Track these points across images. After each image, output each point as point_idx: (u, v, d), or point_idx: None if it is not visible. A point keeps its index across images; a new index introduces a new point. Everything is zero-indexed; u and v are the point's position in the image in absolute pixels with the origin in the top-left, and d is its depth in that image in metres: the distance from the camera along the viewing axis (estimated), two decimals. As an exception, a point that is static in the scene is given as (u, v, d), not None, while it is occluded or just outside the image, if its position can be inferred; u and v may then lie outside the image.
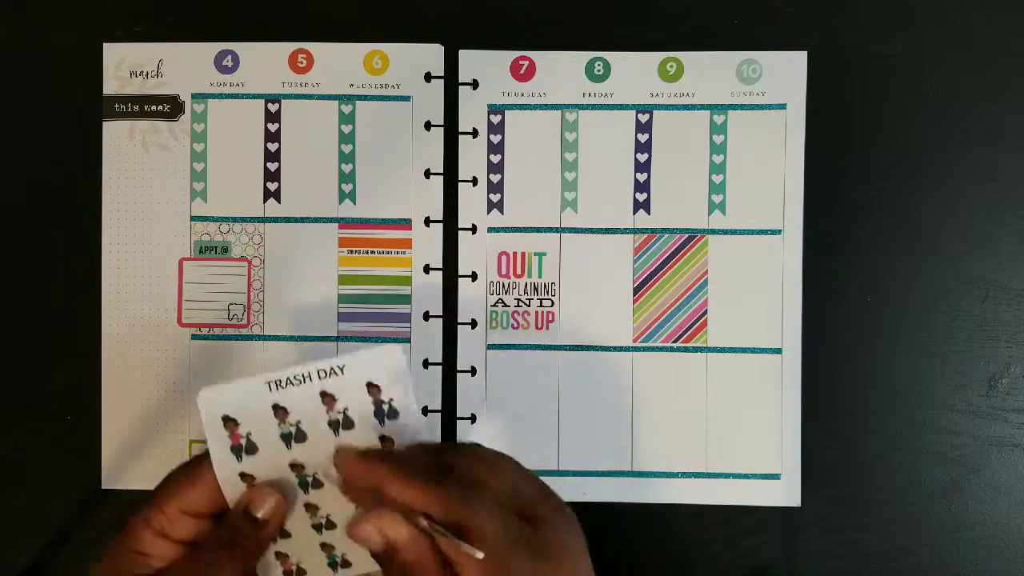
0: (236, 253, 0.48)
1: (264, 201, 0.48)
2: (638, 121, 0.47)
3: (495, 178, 0.48)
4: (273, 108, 0.48)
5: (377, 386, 0.34)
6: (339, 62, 0.47)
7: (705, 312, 0.47)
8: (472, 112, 0.48)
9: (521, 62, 0.47)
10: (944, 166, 0.47)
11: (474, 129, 0.48)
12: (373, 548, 0.31)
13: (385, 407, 0.34)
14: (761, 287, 0.47)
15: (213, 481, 0.33)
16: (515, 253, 0.48)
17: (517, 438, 0.47)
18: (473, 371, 0.47)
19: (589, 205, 0.48)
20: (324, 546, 0.35)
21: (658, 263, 0.47)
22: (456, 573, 0.30)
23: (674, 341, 0.47)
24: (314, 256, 0.47)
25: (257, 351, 0.47)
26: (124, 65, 0.47)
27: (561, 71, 0.47)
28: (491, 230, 0.48)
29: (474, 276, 0.48)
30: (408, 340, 0.47)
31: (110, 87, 0.47)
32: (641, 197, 0.48)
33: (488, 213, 0.48)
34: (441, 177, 0.48)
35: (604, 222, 0.48)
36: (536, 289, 0.48)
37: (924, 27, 0.47)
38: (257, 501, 0.32)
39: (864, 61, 0.47)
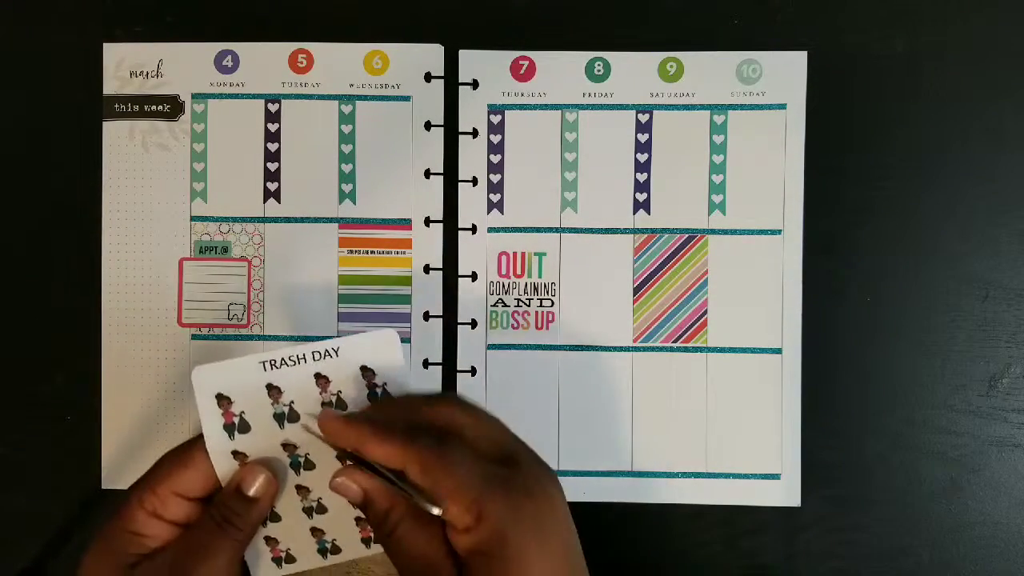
0: (236, 253, 0.48)
1: (264, 201, 0.48)
2: (638, 121, 0.47)
3: (495, 178, 0.48)
4: (273, 108, 0.48)
5: (371, 370, 0.34)
6: (339, 62, 0.47)
7: (705, 312, 0.47)
8: (472, 112, 0.48)
9: (521, 62, 0.47)
10: (944, 166, 0.47)
11: (474, 129, 0.48)
12: (351, 498, 0.33)
13: (379, 390, 0.34)
14: (761, 287, 0.47)
15: (205, 463, 0.33)
16: (515, 253, 0.48)
17: (517, 438, 0.47)
18: (473, 371, 0.47)
19: (589, 205, 0.48)
20: (315, 531, 0.35)
21: (658, 263, 0.47)
22: (421, 519, 0.32)
23: (674, 341, 0.47)
24: (314, 256, 0.47)
25: (257, 351, 0.47)
26: (124, 65, 0.47)
27: (561, 71, 0.47)
28: (491, 230, 0.48)
29: (474, 276, 0.48)
30: (408, 340, 0.47)
31: (110, 87, 0.47)
32: (641, 197, 0.48)
33: (488, 213, 0.48)
34: (441, 177, 0.48)
35: (604, 222, 0.48)
36: (536, 289, 0.48)
37: (924, 27, 0.47)
38: (248, 479, 0.33)
39: (864, 61, 0.47)
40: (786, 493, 0.47)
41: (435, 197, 0.48)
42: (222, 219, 0.48)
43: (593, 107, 0.47)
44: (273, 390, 0.33)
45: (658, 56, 0.47)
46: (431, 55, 0.47)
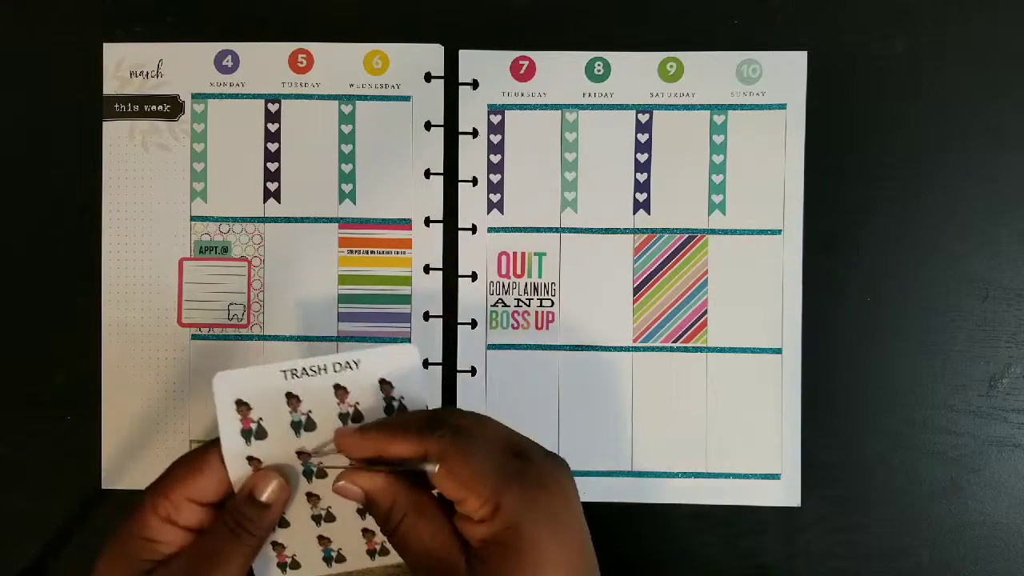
0: (236, 253, 0.48)
1: (264, 201, 0.48)
2: (638, 121, 0.47)
3: (495, 178, 0.48)
4: (273, 108, 0.48)
5: (390, 383, 0.34)
6: (339, 62, 0.47)
7: (705, 312, 0.47)
8: (472, 112, 0.48)
9: (521, 62, 0.47)
10: (944, 166, 0.47)
11: (474, 129, 0.48)
12: (354, 500, 0.33)
13: (395, 404, 0.34)
14: (761, 287, 0.47)
15: (219, 469, 0.33)
16: (515, 253, 0.48)
17: (517, 438, 0.47)
18: (473, 371, 0.47)
19: (589, 205, 0.48)
20: (321, 539, 0.35)
21: (658, 263, 0.47)
22: (426, 514, 0.32)
23: (674, 341, 0.47)
24: (314, 256, 0.47)
25: (257, 351, 0.47)
26: (124, 65, 0.47)
27: (561, 71, 0.47)
28: (491, 230, 0.48)
29: (474, 276, 0.48)
30: (408, 340, 0.47)
31: (110, 87, 0.47)
32: (641, 197, 0.48)
33: (488, 213, 0.48)
34: (441, 177, 0.48)
35: (604, 222, 0.48)
36: (536, 289, 0.48)
37: (924, 27, 0.47)
38: (260, 485, 0.33)
39: (864, 61, 0.47)
40: (786, 493, 0.47)
41: (435, 197, 0.48)
42: (222, 219, 0.48)
43: (593, 107, 0.47)
44: (292, 399, 0.33)
45: (658, 56, 0.47)
46: (431, 55, 0.47)
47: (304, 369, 0.33)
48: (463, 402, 0.47)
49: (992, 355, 0.47)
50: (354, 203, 0.48)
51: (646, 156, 0.47)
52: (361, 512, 0.35)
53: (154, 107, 0.47)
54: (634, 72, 0.47)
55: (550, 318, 0.48)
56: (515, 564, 0.30)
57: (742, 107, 0.47)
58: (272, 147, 0.48)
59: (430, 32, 0.47)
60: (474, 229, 0.48)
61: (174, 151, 0.48)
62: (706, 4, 0.47)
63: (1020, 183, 0.47)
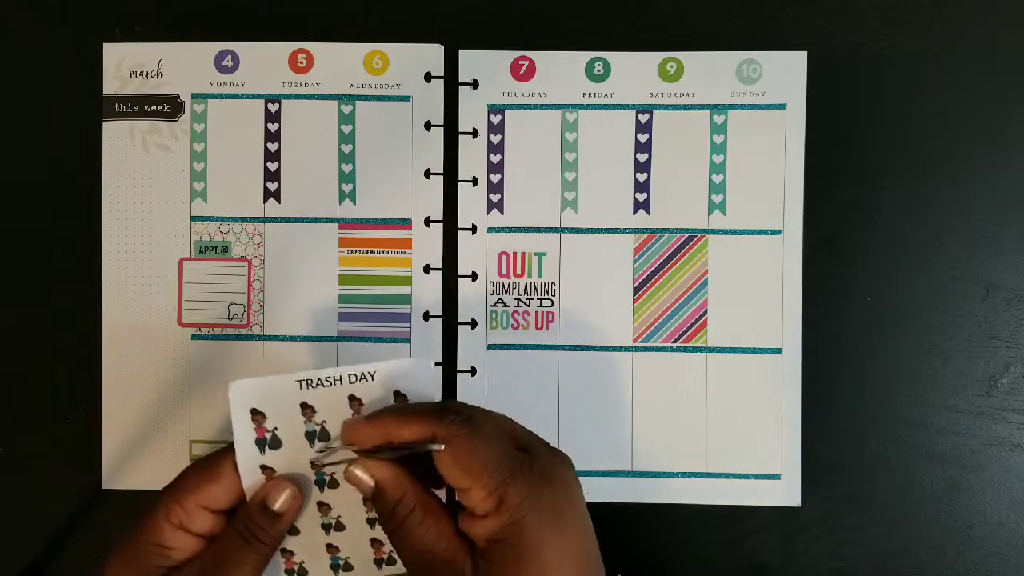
0: (236, 253, 0.48)
1: (264, 201, 0.48)
2: (638, 121, 0.47)
3: (495, 178, 0.48)
4: (273, 108, 0.48)
5: (404, 395, 0.34)
6: (339, 62, 0.47)
7: (705, 312, 0.47)
8: (472, 112, 0.48)
9: (521, 62, 0.47)
10: (944, 166, 0.47)
11: (474, 129, 0.48)
12: (364, 489, 0.33)
13: None
14: (761, 287, 0.47)
15: (233, 476, 0.33)
16: (515, 253, 0.48)
17: (517, 438, 0.47)
18: (473, 371, 0.47)
19: (589, 205, 0.48)
20: (330, 547, 0.35)
21: (658, 263, 0.47)
22: (433, 513, 0.32)
23: (674, 341, 0.47)
24: (314, 256, 0.47)
25: (257, 351, 0.47)
26: (124, 65, 0.47)
27: (561, 71, 0.47)
28: (491, 230, 0.48)
29: (474, 276, 0.48)
30: (408, 340, 0.47)
31: (110, 87, 0.47)
32: (641, 197, 0.48)
33: (488, 213, 0.48)
34: (441, 177, 0.48)
35: (604, 222, 0.48)
36: (536, 289, 0.48)
37: (924, 27, 0.47)
38: (273, 494, 0.33)
39: (864, 61, 0.47)
40: (786, 493, 0.47)
41: (435, 197, 0.48)
42: (222, 219, 0.48)
43: (593, 107, 0.47)
44: (307, 409, 0.34)
45: (658, 56, 0.47)
46: (431, 55, 0.47)
47: (320, 379, 0.33)
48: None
49: (992, 355, 0.47)
50: (354, 203, 0.48)
51: (646, 156, 0.47)
52: (371, 522, 0.35)
53: (154, 107, 0.47)
54: (634, 72, 0.47)
55: (550, 318, 0.48)
56: (519, 563, 0.30)
57: (742, 107, 0.47)
58: (272, 147, 0.48)
59: (430, 32, 0.47)
60: (474, 229, 0.48)
61: (174, 151, 0.48)
62: (706, 4, 0.47)
63: (1020, 183, 0.47)
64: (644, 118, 0.47)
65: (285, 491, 0.33)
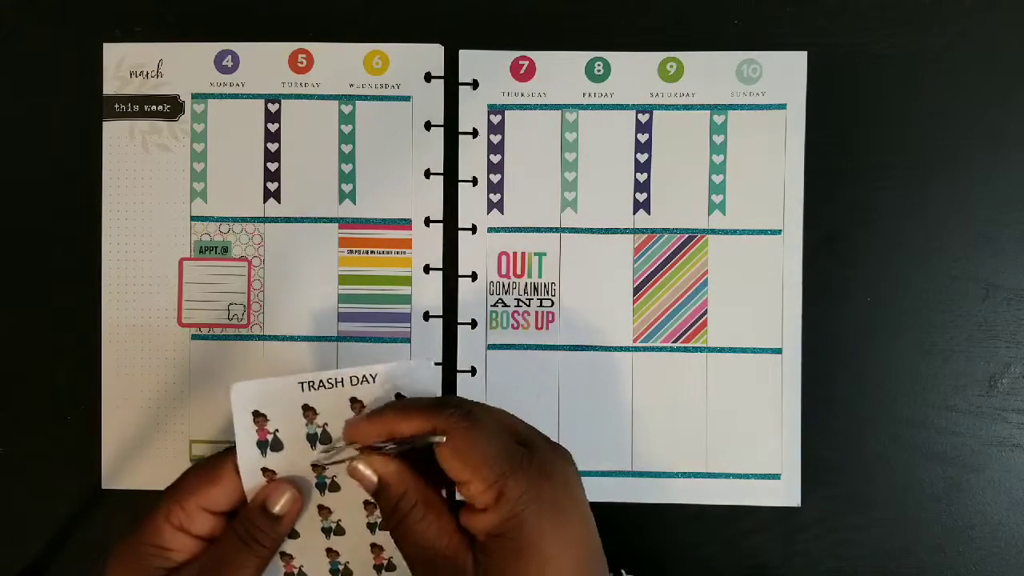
0: (236, 253, 0.48)
1: (264, 201, 0.48)
2: (638, 121, 0.47)
3: (495, 178, 0.48)
4: (273, 108, 0.48)
5: (405, 397, 0.34)
6: (339, 62, 0.47)
7: (705, 312, 0.47)
8: (472, 112, 0.48)
9: (521, 62, 0.47)
10: (944, 166, 0.47)
11: (474, 129, 0.48)
12: (367, 485, 0.33)
13: None
14: (761, 287, 0.47)
15: (234, 478, 0.33)
16: (515, 253, 0.48)
17: (517, 438, 0.47)
18: (473, 371, 0.47)
19: (589, 205, 0.48)
20: (329, 551, 0.35)
21: (658, 263, 0.47)
22: (435, 509, 0.32)
23: (674, 341, 0.47)
24: (314, 256, 0.47)
25: (257, 351, 0.47)
26: (124, 65, 0.47)
27: (561, 71, 0.47)
28: (491, 230, 0.48)
29: (474, 276, 0.48)
30: (408, 340, 0.47)
31: (110, 87, 0.47)
32: (641, 197, 0.48)
33: (488, 213, 0.48)
34: (441, 177, 0.48)
35: (604, 222, 0.48)
36: (536, 289, 0.48)
37: (924, 27, 0.47)
38: (274, 496, 0.33)
39: (864, 61, 0.47)
40: (786, 493, 0.47)
41: (435, 197, 0.48)
42: (222, 219, 0.48)
43: (593, 107, 0.47)
44: (308, 411, 0.34)
45: (658, 56, 0.47)
46: (431, 55, 0.47)
47: (321, 382, 0.33)
48: (463, 402, 0.47)
49: (992, 355, 0.47)
50: (354, 203, 0.48)
51: (646, 156, 0.47)
52: (371, 527, 0.35)
53: (154, 107, 0.47)
54: (634, 72, 0.47)
55: (550, 318, 0.48)
56: (519, 557, 0.30)
57: (742, 107, 0.47)
58: (272, 147, 0.48)
59: (430, 32, 0.47)
60: (474, 229, 0.48)
61: (174, 151, 0.48)
62: (706, 4, 0.47)
63: (1020, 183, 0.47)
64: (644, 118, 0.47)
65: (285, 494, 0.33)
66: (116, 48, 0.47)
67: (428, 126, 0.47)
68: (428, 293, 0.47)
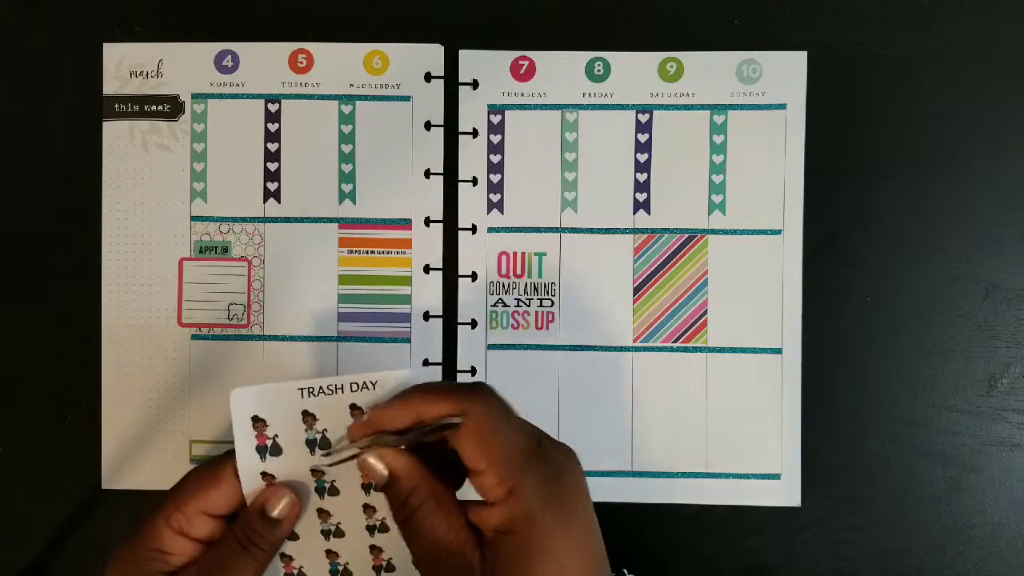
0: (236, 253, 0.48)
1: (264, 201, 0.48)
2: (638, 121, 0.47)
3: (495, 178, 0.48)
4: (273, 108, 0.48)
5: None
6: (339, 62, 0.47)
7: (705, 312, 0.47)
8: (472, 112, 0.48)
9: (521, 62, 0.47)
10: (944, 166, 0.47)
11: (474, 129, 0.48)
12: (378, 479, 0.33)
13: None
14: (761, 287, 0.47)
15: (233, 482, 0.33)
16: (515, 253, 0.48)
17: (517, 438, 0.47)
18: (473, 371, 0.47)
19: (589, 205, 0.48)
20: (329, 553, 0.35)
21: (658, 263, 0.47)
22: (444, 505, 0.32)
23: (674, 341, 0.47)
24: (314, 256, 0.47)
25: (257, 351, 0.47)
26: (124, 65, 0.47)
27: (561, 71, 0.47)
28: (491, 230, 0.48)
29: (474, 276, 0.48)
30: (408, 340, 0.47)
31: (110, 87, 0.47)
32: (641, 197, 0.48)
33: (488, 213, 0.48)
34: (441, 177, 0.48)
35: (604, 222, 0.48)
36: (536, 289, 0.48)
37: (924, 27, 0.47)
38: (272, 500, 0.33)
39: (864, 61, 0.47)
40: (786, 493, 0.47)
41: (435, 197, 0.48)
42: (222, 219, 0.48)
43: (593, 107, 0.47)
44: (308, 417, 0.34)
45: (658, 56, 0.47)
46: (431, 55, 0.47)
47: (321, 388, 0.33)
48: (463, 402, 0.47)
49: (992, 355, 0.47)
50: (354, 203, 0.48)
51: (646, 156, 0.47)
52: (370, 529, 0.35)
53: (154, 107, 0.47)
54: (634, 72, 0.47)
55: (550, 318, 0.48)
56: (527, 556, 0.30)
57: (742, 107, 0.47)
58: (272, 147, 0.48)
59: (430, 32, 0.47)
60: (474, 229, 0.48)
61: (174, 151, 0.48)
62: (706, 4, 0.47)
63: (1020, 183, 0.47)
64: (644, 118, 0.47)
65: (284, 498, 0.33)
66: (116, 48, 0.47)
67: (428, 126, 0.47)
68: (428, 293, 0.47)
